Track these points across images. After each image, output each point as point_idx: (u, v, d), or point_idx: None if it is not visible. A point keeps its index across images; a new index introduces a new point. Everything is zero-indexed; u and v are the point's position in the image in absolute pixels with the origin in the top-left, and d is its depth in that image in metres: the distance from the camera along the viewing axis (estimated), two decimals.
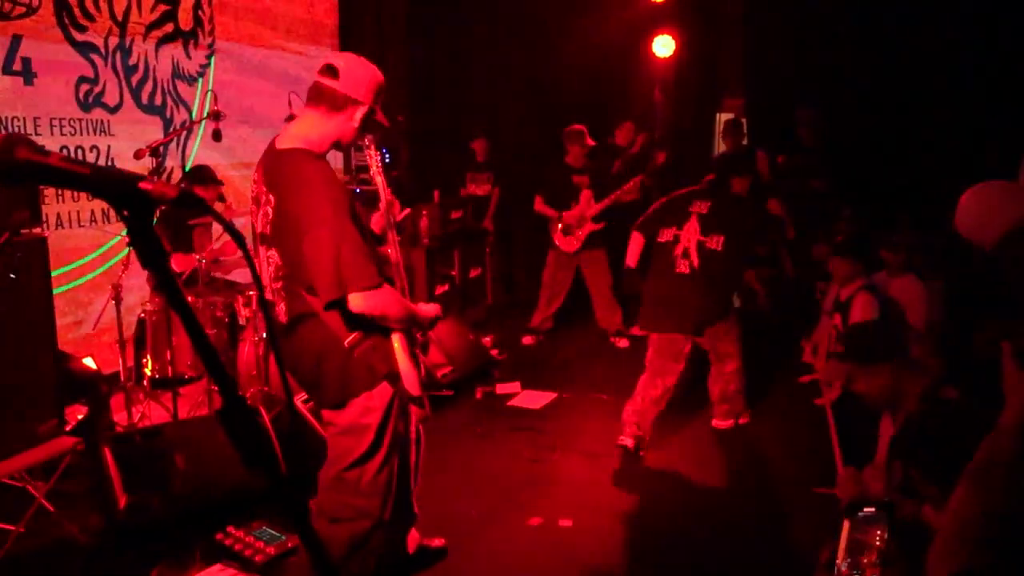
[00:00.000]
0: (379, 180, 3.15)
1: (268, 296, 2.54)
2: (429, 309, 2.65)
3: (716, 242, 4.34)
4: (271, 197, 2.40)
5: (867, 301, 4.52)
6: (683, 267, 4.37)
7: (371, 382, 2.46)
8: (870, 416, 4.38)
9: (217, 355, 0.80)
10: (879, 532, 1.21)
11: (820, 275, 6.38)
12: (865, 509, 1.21)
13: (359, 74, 2.46)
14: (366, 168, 6.48)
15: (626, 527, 3.63)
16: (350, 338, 2.38)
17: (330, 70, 2.44)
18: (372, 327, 2.42)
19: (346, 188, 2.47)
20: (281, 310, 2.49)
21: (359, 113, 2.46)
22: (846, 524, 1.23)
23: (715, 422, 4.75)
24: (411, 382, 2.51)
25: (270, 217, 2.41)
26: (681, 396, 4.69)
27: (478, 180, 7.54)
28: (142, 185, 0.77)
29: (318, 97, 2.46)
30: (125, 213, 0.77)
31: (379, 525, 2.58)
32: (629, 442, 4.19)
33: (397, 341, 2.48)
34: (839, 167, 7.17)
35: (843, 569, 1.21)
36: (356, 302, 2.30)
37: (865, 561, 1.21)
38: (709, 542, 3.50)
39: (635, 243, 4.80)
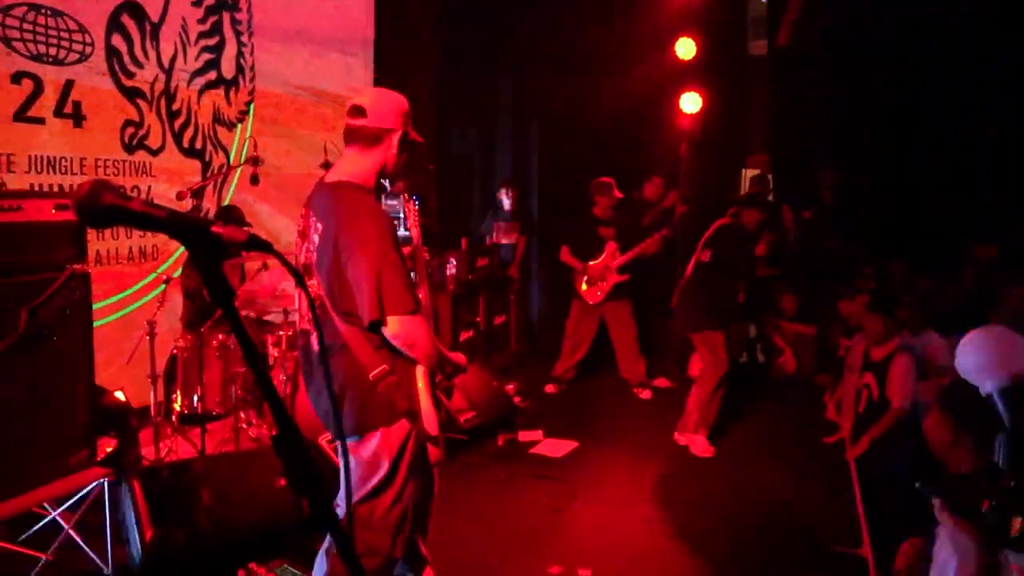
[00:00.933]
0: (415, 232, 3.26)
1: (304, 326, 2.62)
2: (457, 356, 2.72)
3: (706, 255, 5.29)
4: (319, 226, 2.50)
5: (907, 363, 4.51)
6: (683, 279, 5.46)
7: (391, 417, 2.50)
8: (894, 475, 4.36)
9: (272, 383, 0.86)
10: None
11: (844, 332, 6.38)
12: None
13: (384, 105, 2.58)
14: (396, 215, 6.64)
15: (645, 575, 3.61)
16: (376, 371, 2.44)
17: (357, 111, 2.56)
18: (399, 364, 2.48)
19: (392, 220, 2.56)
20: (314, 339, 2.57)
21: (395, 139, 2.57)
22: None
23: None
24: (430, 422, 2.55)
25: (316, 244, 2.51)
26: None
27: (505, 228, 7.64)
28: (214, 229, 0.85)
29: (352, 137, 2.58)
30: (199, 254, 0.85)
31: (390, 562, 2.60)
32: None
33: (421, 380, 2.54)
34: (857, 226, 7.25)
35: None
36: (393, 326, 2.38)
37: None
38: None
39: None
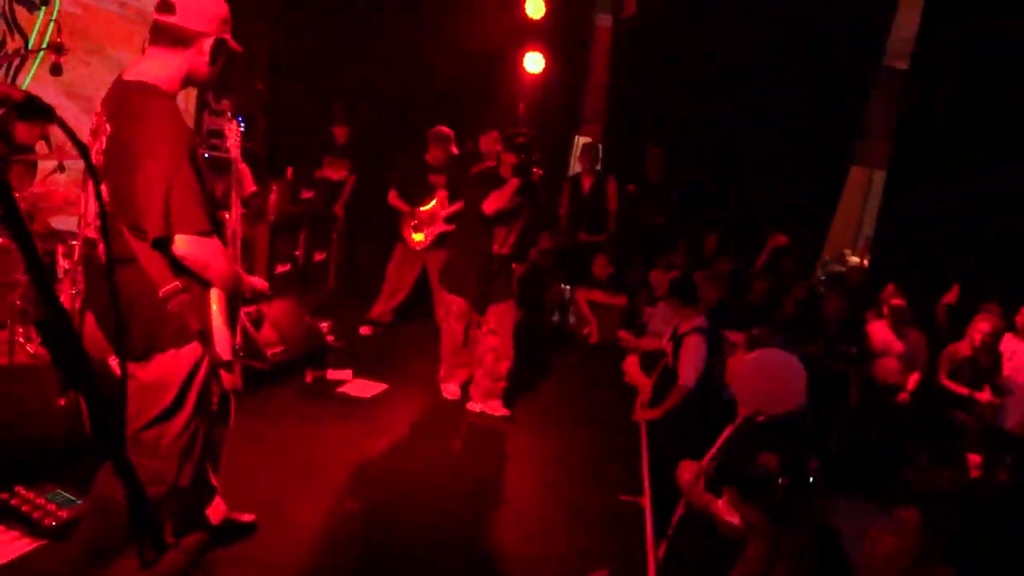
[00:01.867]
0: (234, 152, 3.07)
1: (90, 234, 2.40)
2: (256, 281, 2.62)
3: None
4: (108, 127, 2.28)
5: (696, 343, 4.87)
6: None
7: (181, 339, 2.36)
8: (682, 441, 4.74)
9: (41, 262, 0.77)
10: None
11: (650, 300, 6.79)
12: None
13: (197, 4, 2.37)
14: (219, 133, 6.25)
15: (440, 517, 3.69)
16: (167, 287, 2.29)
17: (165, 6, 2.35)
18: (192, 283, 2.35)
19: (190, 131, 2.38)
20: (101, 251, 2.36)
21: (207, 44, 2.38)
22: None
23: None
24: (223, 346, 2.44)
25: (103, 147, 2.29)
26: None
27: (335, 165, 7.41)
28: None
29: (158, 35, 2.36)
30: None
31: (174, 492, 2.47)
32: None
33: (216, 302, 2.41)
34: (677, 204, 7.72)
35: None
36: (180, 246, 2.24)
37: None
38: (511, 539, 3.62)
39: None
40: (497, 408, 5.01)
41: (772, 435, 1.89)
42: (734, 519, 2.75)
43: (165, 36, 2.35)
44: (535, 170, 4.84)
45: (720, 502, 2.58)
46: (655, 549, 3.41)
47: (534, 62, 7.62)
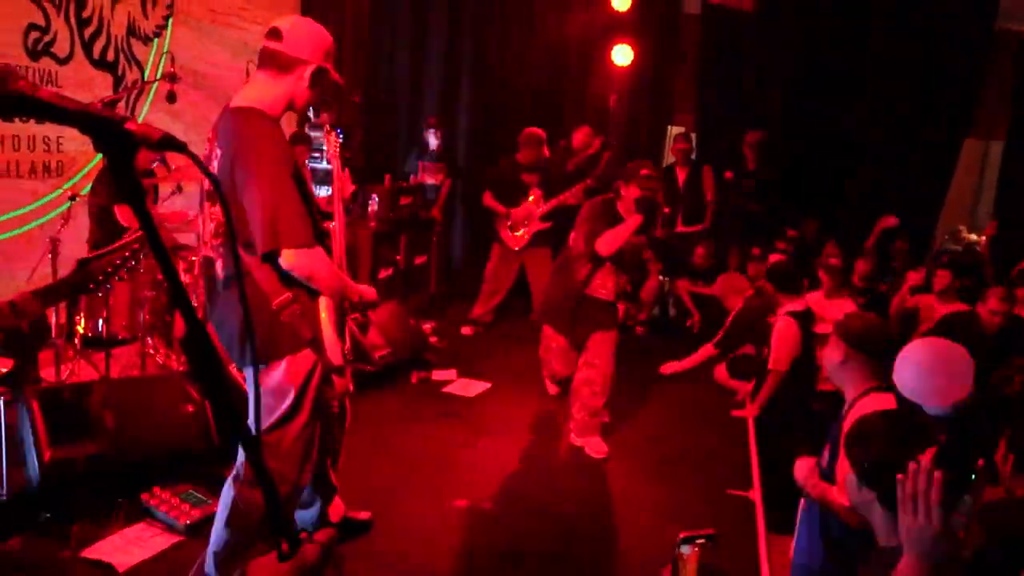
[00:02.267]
0: (335, 163, 3.21)
1: (208, 253, 2.56)
2: (364, 288, 2.72)
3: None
4: (218, 152, 2.43)
5: (783, 326, 4.72)
6: None
7: (295, 346, 2.49)
8: (788, 431, 4.62)
9: (181, 283, 0.86)
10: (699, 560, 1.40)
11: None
12: (696, 540, 1.40)
13: (303, 34, 2.50)
14: (320, 147, 6.49)
15: (545, 514, 3.74)
16: (279, 299, 2.42)
17: (274, 33, 2.49)
18: (302, 293, 2.47)
19: (291, 150, 2.51)
20: (219, 267, 2.52)
21: (308, 73, 2.49)
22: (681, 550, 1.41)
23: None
24: (334, 352, 2.56)
25: (215, 171, 2.44)
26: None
27: (430, 169, 7.58)
28: (128, 125, 0.83)
29: (265, 60, 2.50)
30: (109, 151, 0.83)
31: (298, 490, 2.62)
32: None
33: (325, 310, 2.54)
34: (778, 191, 7.47)
35: None
36: (287, 259, 2.36)
37: None
38: (621, 528, 3.63)
39: None
40: (597, 447, 4.46)
41: (927, 428, 1.79)
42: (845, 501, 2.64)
43: (271, 61, 2.48)
44: (659, 207, 4.46)
45: (834, 488, 2.51)
46: (767, 542, 3.36)
47: (622, 55, 7.58)
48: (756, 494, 3.98)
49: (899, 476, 1.32)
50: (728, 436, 4.85)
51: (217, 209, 2.47)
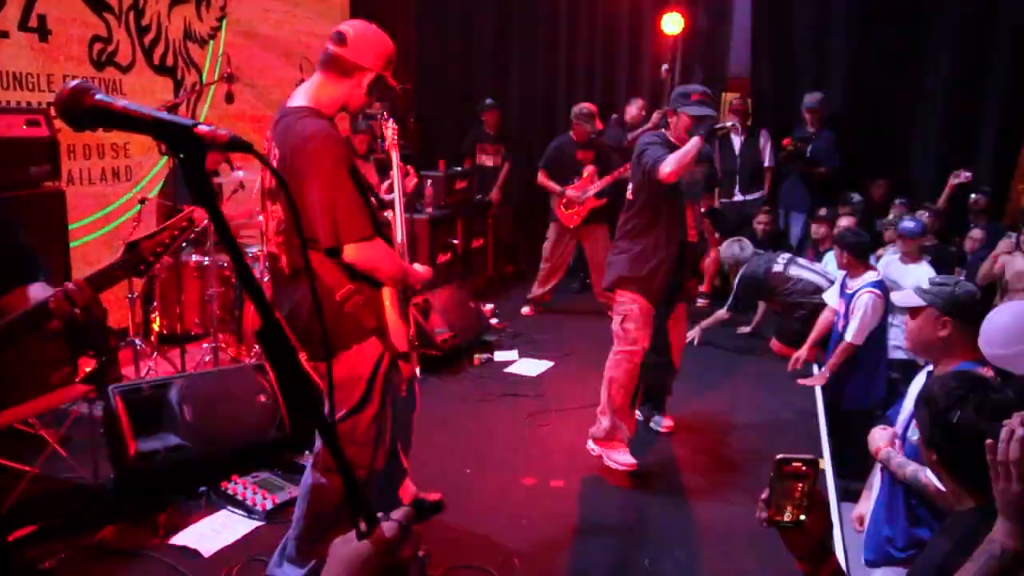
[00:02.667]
0: (394, 153, 3.25)
1: (272, 249, 2.64)
2: (422, 271, 2.77)
3: None
4: (277, 152, 2.49)
5: (868, 301, 4.59)
6: None
7: (361, 336, 2.55)
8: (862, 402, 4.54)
9: (253, 275, 0.89)
10: (801, 485, 1.36)
11: (816, 255, 6.49)
12: (793, 463, 1.38)
13: (367, 41, 2.54)
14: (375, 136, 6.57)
15: (615, 489, 3.76)
16: (342, 291, 2.48)
17: (339, 37, 2.53)
18: (364, 283, 2.53)
19: (347, 146, 2.56)
20: (284, 263, 2.60)
21: (367, 80, 2.53)
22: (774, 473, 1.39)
23: None
24: (399, 338, 2.61)
25: None
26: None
27: (488, 151, 7.60)
28: (198, 130, 0.87)
29: (327, 63, 2.54)
30: (181, 155, 0.87)
31: (372, 474, 2.69)
32: None
33: (388, 299, 2.59)
34: (839, 152, 7.26)
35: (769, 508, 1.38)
36: (349, 253, 2.41)
37: (785, 502, 1.37)
38: (694, 501, 3.63)
39: None
40: (662, 423, 4.42)
41: (996, 389, 1.71)
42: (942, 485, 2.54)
43: (333, 65, 2.53)
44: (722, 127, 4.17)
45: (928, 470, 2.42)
46: (839, 511, 3.31)
47: (673, 23, 7.45)
48: (827, 462, 3.93)
49: (988, 442, 1.30)
50: (796, 405, 4.79)
51: (278, 207, 2.54)
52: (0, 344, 1.96)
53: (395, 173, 3.20)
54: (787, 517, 1.37)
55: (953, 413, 1.72)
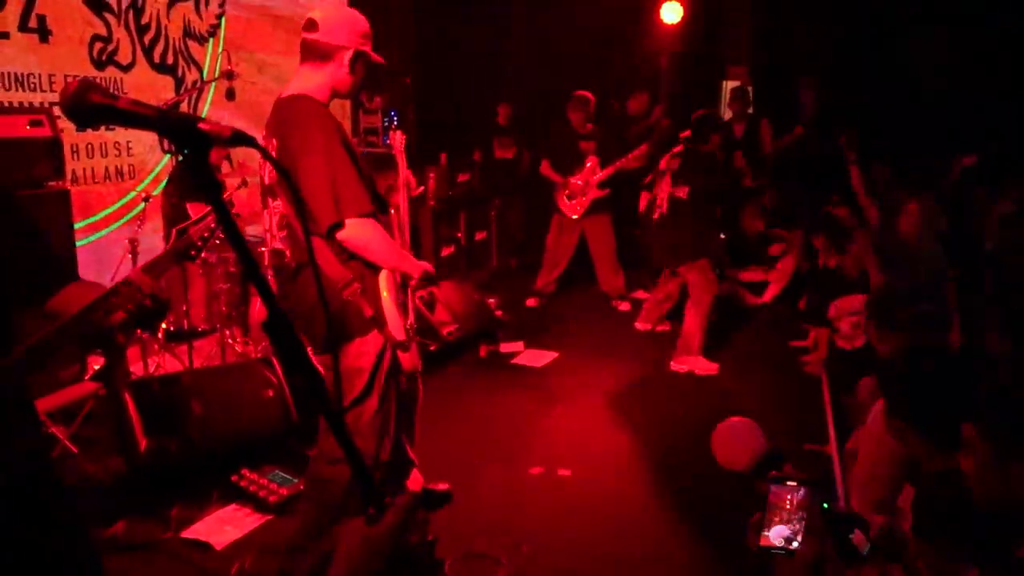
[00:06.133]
0: (400, 159, 3.26)
1: (277, 245, 2.66)
2: (427, 265, 2.75)
3: (682, 191, 5.19)
4: (274, 141, 2.51)
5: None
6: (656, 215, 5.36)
7: (364, 328, 2.57)
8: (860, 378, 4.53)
9: (260, 269, 0.91)
10: (793, 507, 1.28)
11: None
12: (788, 483, 1.32)
13: (337, 21, 2.55)
14: (374, 131, 6.60)
15: (622, 477, 3.78)
16: (342, 280, 2.50)
17: (310, 24, 2.55)
18: (363, 271, 2.53)
19: (342, 129, 2.56)
20: (289, 258, 2.62)
21: (347, 58, 2.54)
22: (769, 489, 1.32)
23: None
24: (396, 327, 2.62)
25: None
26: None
27: (503, 144, 7.60)
28: (200, 125, 0.89)
29: (306, 52, 2.57)
30: (185, 151, 0.89)
31: (377, 466, 2.71)
32: None
33: (385, 288, 2.60)
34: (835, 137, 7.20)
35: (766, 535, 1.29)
36: (347, 230, 2.41)
37: (776, 522, 1.30)
38: (699, 490, 3.65)
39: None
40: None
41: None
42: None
43: (311, 52, 2.55)
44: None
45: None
46: (846, 496, 3.33)
47: (672, 11, 7.44)
48: (833, 448, 3.94)
49: None
50: (804, 390, 4.80)
51: (279, 202, 2.56)
52: (64, 341, 1.97)
53: (401, 179, 3.22)
54: (778, 543, 1.30)
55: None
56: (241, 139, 0.91)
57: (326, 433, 2.68)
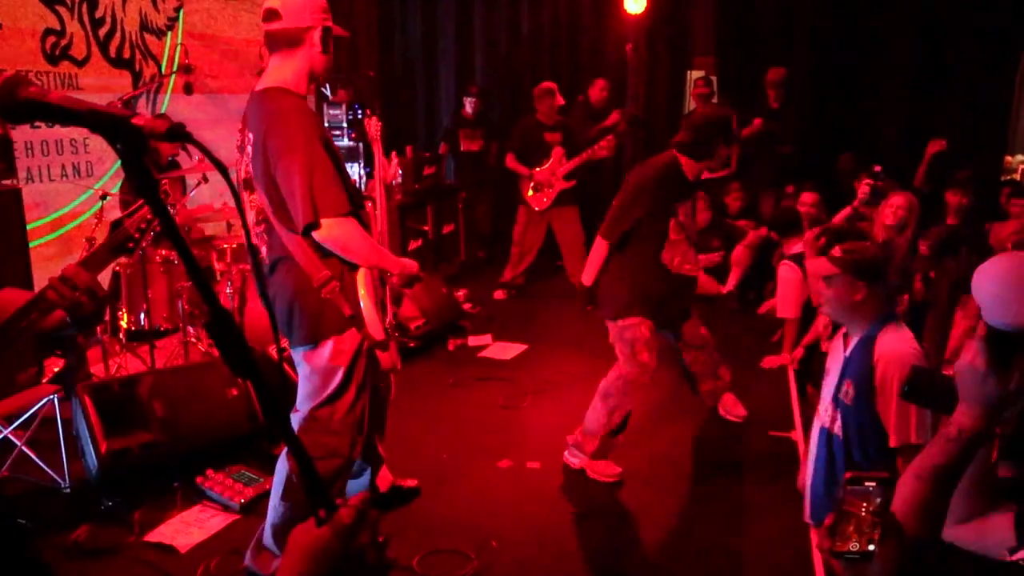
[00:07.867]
0: (376, 147, 3.22)
1: (254, 240, 2.61)
2: (406, 261, 2.73)
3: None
4: (250, 136, 2.47)
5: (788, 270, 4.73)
6: None
7: (341, 326, 2.55)
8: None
9: (200, 269, 0.89)
10: (865, 504, 1.19)
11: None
12: (865, 483, 1.24)
13: (297, 2, 2.51)
14: (338, 124, 6.53)
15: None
16: (318, 277, 2.47)
17: (271, 14, 2.51)
18: (342, 269, 2.51)
19: (320, 124, 2.54)
20: (264, 253, 2.58)
21: (316, 36, 2.51)
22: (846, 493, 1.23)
23: None
24: (375, 327, 2.60)
25: (250, 156, 2.48)
26: None
27: (471, 136, 7.54)
28: (134, 121, 0.86)
29: (273, 43, 2.53)
30: (119, 147, 0.86)
31: (349, 462, 2.69)
32: None
33: (363, 287, 2.57)
34: (801, 129, 7.26)
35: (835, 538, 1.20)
36: (324, 230, 2.39)
37: (851, 530, 1.20)
38: (667, 480, 3.67)
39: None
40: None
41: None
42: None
43: (279, 42, 2.51)
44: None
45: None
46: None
47: (636, 2, 7.43)
48: (798, 435, 3.98)
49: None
50: (770, 378, 4.85)
51: (256, 196, 2.52)
52: (3, 345, 1.90)
53: (377, 167, 3.18)
54: (854, 547, 1.19)
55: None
56: (177, 135, 0.88)
57: (300, 428, 2.62)
